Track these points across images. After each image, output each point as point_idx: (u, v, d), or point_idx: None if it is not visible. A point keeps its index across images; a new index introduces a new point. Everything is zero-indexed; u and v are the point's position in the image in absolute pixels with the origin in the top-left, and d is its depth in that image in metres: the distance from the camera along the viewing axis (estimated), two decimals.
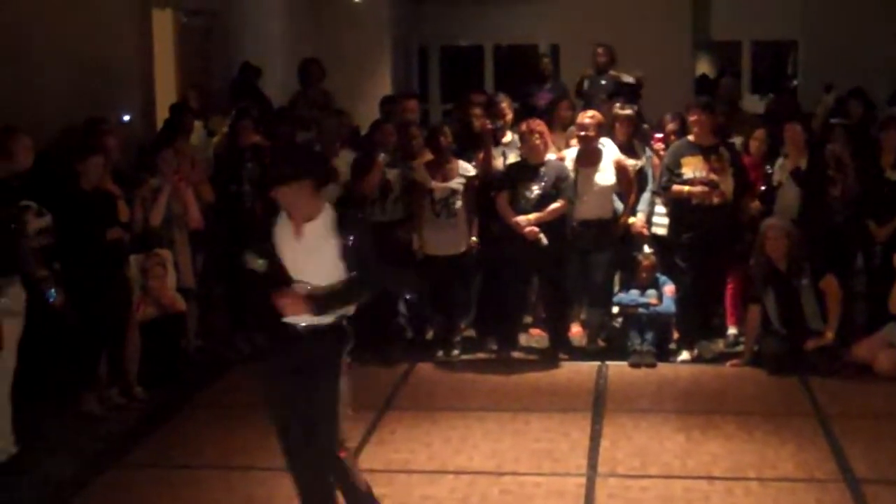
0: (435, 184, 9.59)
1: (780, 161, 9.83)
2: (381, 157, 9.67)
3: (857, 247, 9.93)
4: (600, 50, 12.54)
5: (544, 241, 9.33)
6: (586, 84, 12.67)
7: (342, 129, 10.50)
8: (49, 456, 7.46)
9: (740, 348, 9.62)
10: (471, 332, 10.20)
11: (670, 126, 10.40)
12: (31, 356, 7.57)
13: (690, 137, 9.67)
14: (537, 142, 9.48)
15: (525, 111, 11.14)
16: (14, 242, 7.34)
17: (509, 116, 10.28)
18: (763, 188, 9.86)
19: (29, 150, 7.61)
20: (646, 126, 10.84)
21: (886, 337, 9.13)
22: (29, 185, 7.79)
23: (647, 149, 10.27)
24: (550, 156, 9.64)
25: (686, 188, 9.47)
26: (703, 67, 17.19)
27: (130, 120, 11.13)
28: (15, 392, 7.39)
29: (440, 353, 9.73)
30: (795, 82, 16.96)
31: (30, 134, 7.71)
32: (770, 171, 9.84)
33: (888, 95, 12.39)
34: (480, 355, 9.82)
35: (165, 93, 12.04)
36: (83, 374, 8.37)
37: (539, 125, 9.60)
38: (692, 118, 9.67)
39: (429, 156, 9.76)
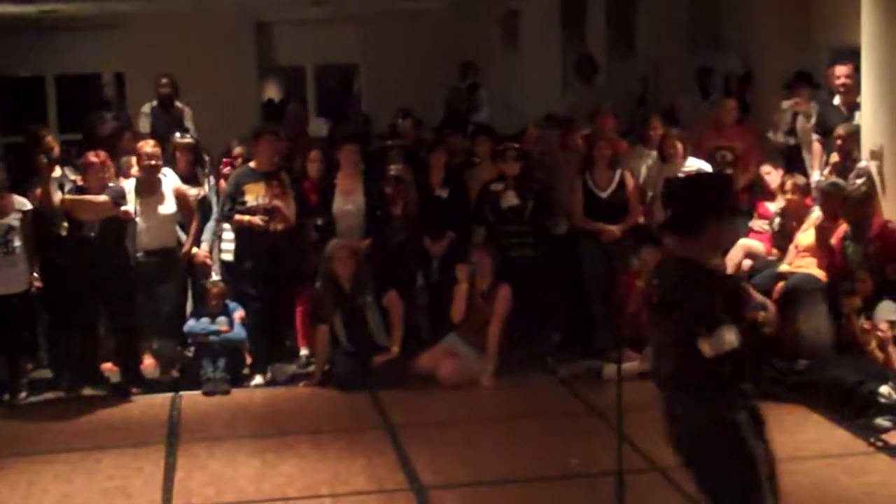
0: None
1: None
2: None
3: (416, 263, 10.29)
4: (163, 80, 12.35)
5: None
6: (151, 114, 12.46)
7: None
8: None
9: (312, 368, 9.82)
10: (43, 373, 9.86)
11: (237, 150, 10.51)
12: None
13: (252, 164, 9.81)
14: (99, 173, 9.31)
15: (89, 141, 10.86)
16: None
17: (56, 150, 10.01)
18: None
19: None
20: (207, 158, 10.83)
21: (448, 347, 9.61)
22: None
23: (212, 177, 10.31)
24: (112, 185, 9.48)
25: (247, 218, 9.59)
26: (270, 92, 17.43)
27: None
28: None
29: (6, 397, 9.34)
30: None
31: None
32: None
33: (441, 118, 12.97)
34: (49, 395, 9.52)
35: None
36: None
37: (100, 156, 9.42)
38: (257, 146, 9.82)
39: None
